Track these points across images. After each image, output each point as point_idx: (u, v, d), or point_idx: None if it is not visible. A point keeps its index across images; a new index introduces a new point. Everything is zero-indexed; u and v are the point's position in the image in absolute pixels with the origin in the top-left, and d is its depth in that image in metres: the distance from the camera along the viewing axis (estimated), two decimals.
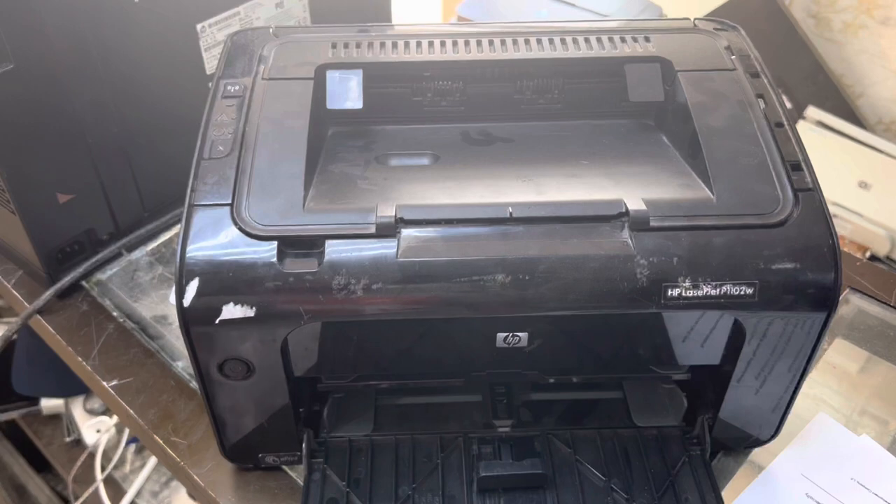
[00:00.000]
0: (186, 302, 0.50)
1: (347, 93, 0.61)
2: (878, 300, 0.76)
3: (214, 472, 0.63)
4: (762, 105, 0.59)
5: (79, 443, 1.35)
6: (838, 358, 0.73)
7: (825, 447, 0.64)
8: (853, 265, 0.80)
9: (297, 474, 0.63)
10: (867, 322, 0.75)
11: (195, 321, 0.50)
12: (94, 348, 0.72)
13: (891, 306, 0.76)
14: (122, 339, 0.73)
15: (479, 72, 0.63)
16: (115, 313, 0.75)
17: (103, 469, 1.28)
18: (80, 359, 0.71)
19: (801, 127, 1.78)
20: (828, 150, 1.75)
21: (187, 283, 0.50)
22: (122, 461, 1.32)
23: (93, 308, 0.76)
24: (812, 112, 1.79)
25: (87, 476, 1.30)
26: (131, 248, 0.81)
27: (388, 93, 0.63)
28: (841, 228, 1.65)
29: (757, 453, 0.64)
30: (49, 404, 1.38)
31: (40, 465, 1.42)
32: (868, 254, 1.65)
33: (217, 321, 0.50)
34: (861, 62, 1.84)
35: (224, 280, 0.50)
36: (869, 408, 0.69)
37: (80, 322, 0.75)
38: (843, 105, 1.85)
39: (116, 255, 0.80)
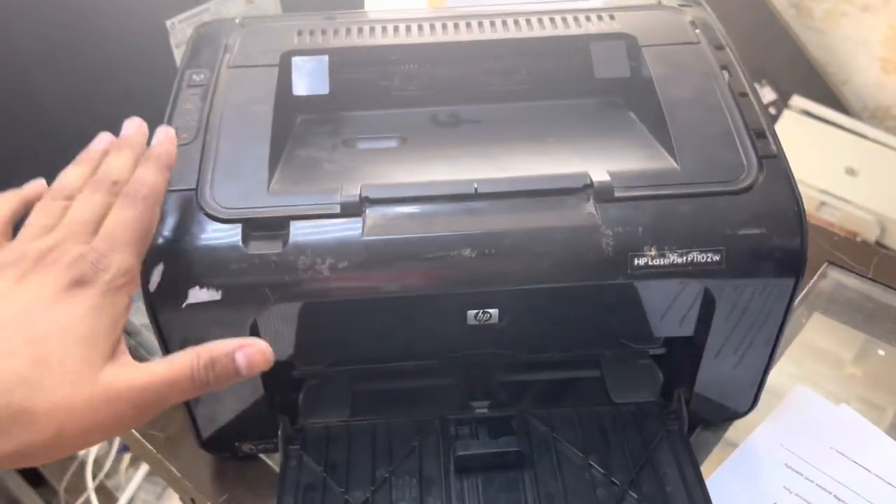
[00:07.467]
0: (152, 287, 0.50)
1: (313, 78, 0.61)
2: (857, 273, 0.76)
3: (191, 463, 0.62)
4: (727, 76, 0.59)
5: None
6: (814, 333, 0.72)
7: (804, 418, 0.64)
8: (831, 240, 0.79)
9: (275, 462, 0.62)
10: (846, 295, 0.75)
11: (162, 306, 0.50)
12: None
13: (868, 279, 0.76)
14: None
15: (445, 54, 0.63)
16: None
17: (94, 477, 1.26)
18: None
19: (787, 116, 1.79)
20: (814, 138, 1.75)
21: (152, 268, 0.50)
22: (114, 470, 1.31)
23: None
24: (797, 101, 1.79)
25: (79, 486, 1.29)
26: None
27: (355, 78, 0.63)
28: (830, 216, 1.65)
29: (735, 426, 0.64)
30: None
31: (35, 479, 1.41)
32: (859, 239, 1.65)
33: (184, 305, 0.50)
34: (844, 49, 1.85)
35: (189, 264, 0.50)
36: (849, 382, 0.69)
37: None
38: (828, 93, 1.85)
39: None
